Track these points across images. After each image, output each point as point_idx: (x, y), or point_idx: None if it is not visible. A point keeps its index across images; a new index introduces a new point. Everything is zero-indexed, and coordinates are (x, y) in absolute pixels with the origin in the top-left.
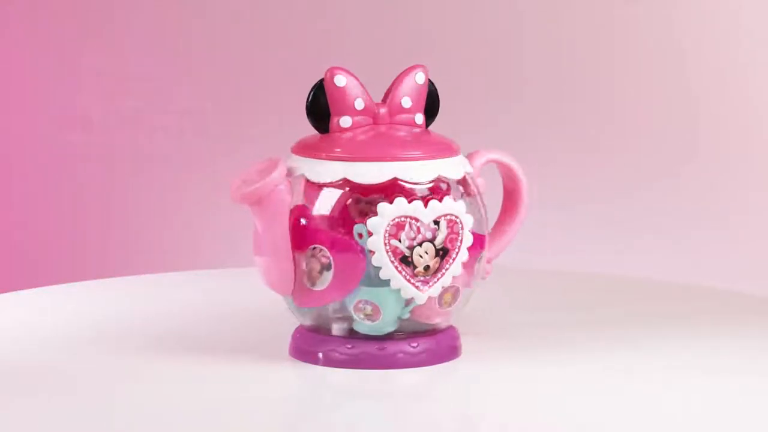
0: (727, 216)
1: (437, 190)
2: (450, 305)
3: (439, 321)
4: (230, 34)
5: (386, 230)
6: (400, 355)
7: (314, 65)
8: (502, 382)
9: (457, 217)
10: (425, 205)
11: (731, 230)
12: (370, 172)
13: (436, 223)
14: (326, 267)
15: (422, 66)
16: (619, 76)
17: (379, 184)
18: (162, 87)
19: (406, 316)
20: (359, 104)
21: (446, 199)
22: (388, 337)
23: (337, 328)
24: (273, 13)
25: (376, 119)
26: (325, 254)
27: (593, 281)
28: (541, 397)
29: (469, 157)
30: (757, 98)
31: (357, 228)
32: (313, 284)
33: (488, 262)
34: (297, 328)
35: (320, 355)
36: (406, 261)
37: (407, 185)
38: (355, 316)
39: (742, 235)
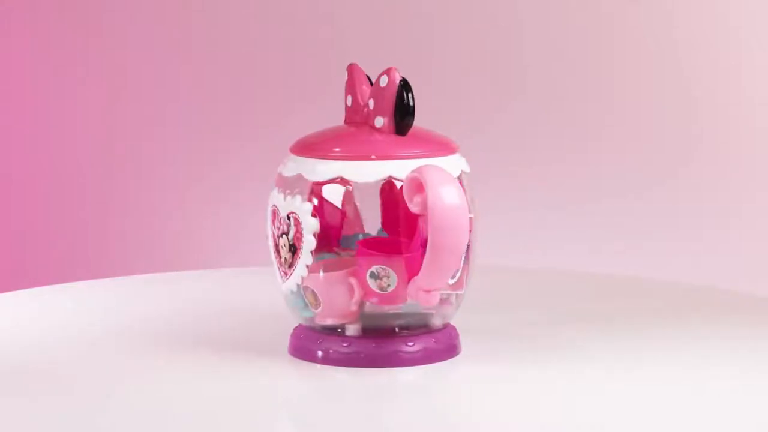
0: (727, 216)
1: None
2: (313, 306)
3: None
4: (231, 33)
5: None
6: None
7: (314, 65)
8: (501, 381)
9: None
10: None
11: (731, 230)
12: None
13: (289, 218)
14: None
15: (393, 68)
16: (619, 76)
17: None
18: (162, 87)
19: None
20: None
21: (297, 197)
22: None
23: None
24: (274, 12)
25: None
26: None
27: (593, 281)
28: (540, 396)
29: None
30: (757, 98)
31: None
32: None
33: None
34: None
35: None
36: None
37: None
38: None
39: (742, 235)
